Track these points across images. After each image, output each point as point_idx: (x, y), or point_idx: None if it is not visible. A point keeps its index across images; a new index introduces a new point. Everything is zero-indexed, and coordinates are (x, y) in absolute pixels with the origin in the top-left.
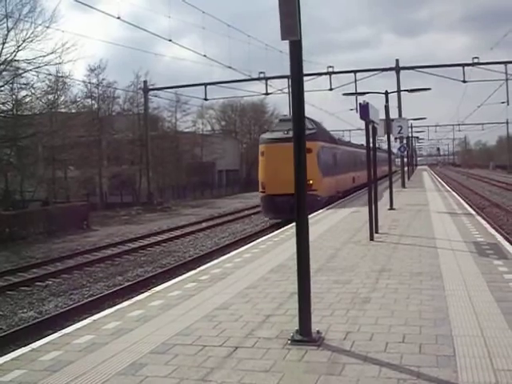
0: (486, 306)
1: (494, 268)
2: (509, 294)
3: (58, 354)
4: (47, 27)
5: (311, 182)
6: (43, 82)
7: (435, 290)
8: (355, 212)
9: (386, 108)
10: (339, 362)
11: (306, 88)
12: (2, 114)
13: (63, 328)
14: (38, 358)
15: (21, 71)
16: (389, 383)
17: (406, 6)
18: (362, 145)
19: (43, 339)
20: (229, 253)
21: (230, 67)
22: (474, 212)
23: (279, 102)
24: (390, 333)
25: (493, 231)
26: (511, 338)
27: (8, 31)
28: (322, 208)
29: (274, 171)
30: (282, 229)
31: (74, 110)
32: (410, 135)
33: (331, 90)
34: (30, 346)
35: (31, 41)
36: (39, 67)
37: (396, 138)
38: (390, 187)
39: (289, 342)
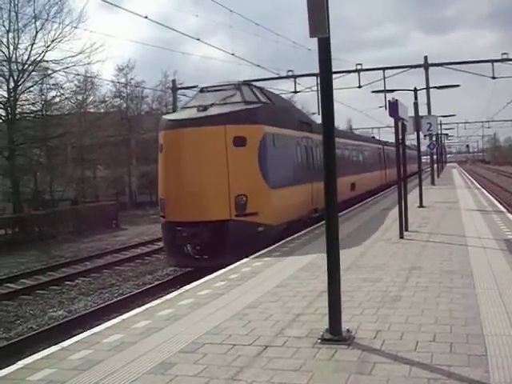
0: None
1: None
2: None
3: (87, 352)
4: (75, 27)
5: (244, 198)
6: (72, 82)
7: (466, 289)
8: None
9: (415, 105)
10: (369, 361)
11: (334, 85)
12: (32, 115)
13: (93, 327)
14: (67, 356)
15: (50, 72)
16: (419, 383)
17: (433, 3)
18: (373, 137)
19: (73, 338)
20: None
21: (258, 66)
22: (504, 209)
23: (308, 100)
24: (421, 332)
25: None
26: None
27: (36, 32)
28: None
29: (177, 179)
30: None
31: (102, 110)
32: (439, 132)
33: (360, 87)
34: (60, 344)
35: (59, 41)
36: (68, 67)
37: (425, 136)
38: (420, 185)
39: (319, 340)
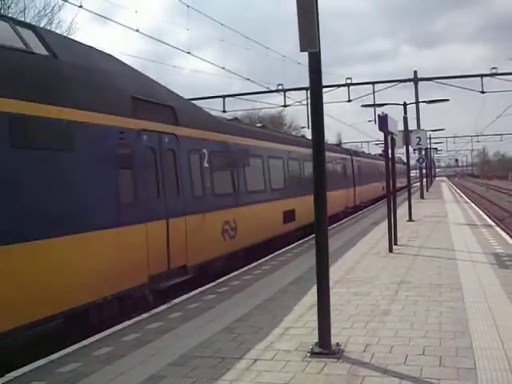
0: (506, 318)
1: None
2: None
3: (76, 365)
4: None
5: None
6: None
7: (455, 302)
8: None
9: (405, 119)
10: (359, 375)
11: (324, 99)
12: None
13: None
14: (56, 369)
15: None
16: None
17: (423, 17)
18: (338, 145)
19: (62, 351)
20: None
21: (248, 79)
22: (493, 223)
23: (297, 113)
24: (410, 345)
25: None
26: None
27: None
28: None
29: None
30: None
31: None
32: (428, 146)
33: (349, 101)
34: (49, 358)
35: None
36: None
37: (415, 150)
38: (409, 199)
39: (308, 354)
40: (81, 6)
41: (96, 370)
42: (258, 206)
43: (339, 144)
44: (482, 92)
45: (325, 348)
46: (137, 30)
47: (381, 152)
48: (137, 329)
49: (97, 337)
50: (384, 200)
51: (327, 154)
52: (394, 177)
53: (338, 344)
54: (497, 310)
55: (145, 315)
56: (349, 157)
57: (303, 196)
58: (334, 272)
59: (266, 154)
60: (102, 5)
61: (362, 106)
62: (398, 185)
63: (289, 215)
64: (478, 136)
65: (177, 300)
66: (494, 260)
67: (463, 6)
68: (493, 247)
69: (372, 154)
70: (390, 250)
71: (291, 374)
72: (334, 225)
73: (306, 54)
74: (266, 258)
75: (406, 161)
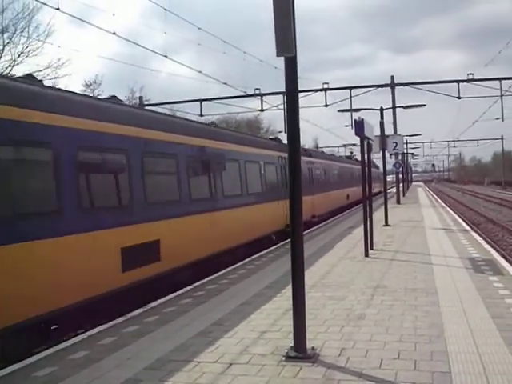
0: (481, 322)
1: (490, 284)
2: (504, 310)
3: (52, 369)
4: (43, 42)
5: None
6: None
7: (430, 306)
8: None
9: (381, 124)
10: (334, 379)
11: (301, 104)
12: None
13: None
14: (31, 373)
15: None
16: None
17: (401, 23)
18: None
19: (38, 355)
20: None
21: (225, 83)
22: (469, 228)
23: (274, 117)
24: (385, 349)
25: (488, 247)
26: (507, 354)
27: (4, 46)
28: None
29: None
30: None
31: None
32: (405, 151)
33: (326, 106)
34: (24, 362)
35: (27, 55)
36: None
37: (391, 155)
38: (385, 203)
39: (283, 358)
40: (58, 9)
41: (72, 373)
42: (173, 222)
43: (317, 147)
44: (459, 98)
45: (300, 352)
46: (114, 33)
47: (349, 154)
48: (113, 332)
49: (73, 340)
50: (346, 212)
51: (257, 151)
52: (370, 182)
53: (313, 348)
54: (472, 315)
55: (121, 319)
56: (308, 159)
57: (248, 206)
58: (310, 276)
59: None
60: (79, 7)
61: (339, 110)
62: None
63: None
64: (454, 141)
65: (153, 304)
66: (469, 265)
67: (440, 13)
68: (468, 252)
69: (325, 152)
70: (366, 255)
71: (266, 378)
72: (310, 230)
73: (283, 58)
74: (242, 263)
75: (379, 165)
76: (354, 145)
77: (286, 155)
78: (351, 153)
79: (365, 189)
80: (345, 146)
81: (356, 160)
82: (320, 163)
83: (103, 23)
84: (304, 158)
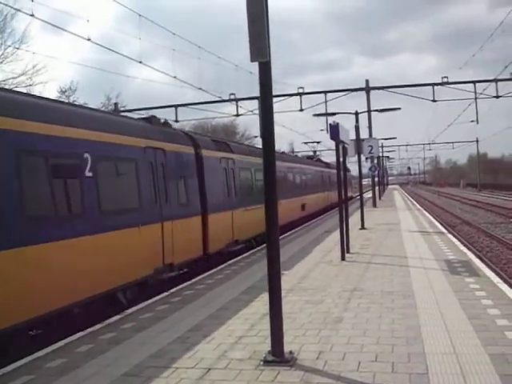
0: (458, 323)
1: (466, 285)
2: (480, 311)
3: (29, 378)
4: (17, 48)
5: None
6: None
7: (407, 309)
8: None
9: (357, 128)
10: (312, 382)
11: (276, 109)
12: None
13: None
14: (8, 382)
15: None
16: None
17: (375, 28)
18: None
19: (14, 363)
20: None
21: (200, 89)
22: (445, 230)
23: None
24: (363, 352)
25: (464, 249)
26: (483, 354)
27: None
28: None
29: None
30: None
31: None
32: (380, 155)
33: (301, 110)
34: (1, 370)
35: (1, 62)
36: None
37: (367, 158)
38: (361, 207)
39: (261, 362)
40: (32, 15)
41: (50, 382)
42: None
43: (292, 152)
44: (434, 101)
45: (278, 356)
46: (88, 39)
47: (311, 154)
48: (90, 339)
49: (50, 348)
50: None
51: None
52: (345, 186)
53: (291, 352)
54: (449, 316)
55: (98, 326)
56: (188, 149)
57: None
58: (287, 281)
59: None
60: (53, 14)
61: (314, 115)
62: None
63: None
64: (429, 144)
65: (129, 310)
66: (445, 267)
67: (413, 18)
68: (445, 254)
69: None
70: (343, 259)
71: (245, 382)
72: (286, 234)
73: (257, 63)
74: (219, 268)
75: (351, 168)
76: (319, 142)
77: (170, 146)
78: (314, 152)
79: (341, 193)
80: (306, 143)
81: (319, 160)
82: (248, 163)
83: (78, 29)
84: (216, 154)
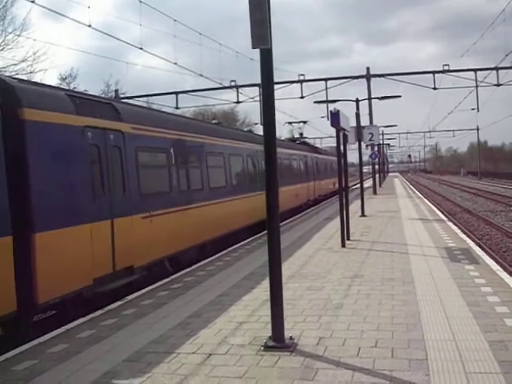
0: (457, 310)
1: (466, 273)
2: (480, 299)
3: (31, 363)
4: (18, 35)
5: None
6: None
7: (407, 296)
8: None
9: (357, 115)
10: (312, 368)
11: (276, 96)
12: None
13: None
14: (11, 367)
15: None
16: None
17: (375, 15)
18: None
19: (17, 348)
20: None
21: (201, 75)
22: (445, 218)
23: (250, 109)
24: (363, 338)
25: (464, 236)
26: (482, 341)
27: None
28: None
29: None
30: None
31: None
32: (381, 142)
33: (302, 97)
34: (4, 355)
35: (2, 49)
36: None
37: (367, 145)
38: (362, 194)
39: (262, 348)
40: (33, 1)
41: (52, 367)
42: None
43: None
44: (434, 88)
45: (278, 342)
46: (89, 26)
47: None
48: (91, 326)
49: (52, 334)
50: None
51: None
52: (346, 174)
53: (291, 338)
54: (448, 303)
55: (99, 312)
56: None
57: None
58: (287, 267)
59: None
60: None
61: (315, 102)
62: (330, 187)
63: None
64: (430, 132)
65: (130, 297)
66: (445, 254)
67: (415, 4)
68: (444, 241)
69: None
70: (343, 245)
71: (245, 367)
72: (287, 221)
73: (258, 50)
74: (220, 254)
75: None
76: (305, 122)
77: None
78: (301, 134)
79: (341, 180)
80: (290, 123)
81: (304, 144)
82: (164, 141)
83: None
84: (70, 121)
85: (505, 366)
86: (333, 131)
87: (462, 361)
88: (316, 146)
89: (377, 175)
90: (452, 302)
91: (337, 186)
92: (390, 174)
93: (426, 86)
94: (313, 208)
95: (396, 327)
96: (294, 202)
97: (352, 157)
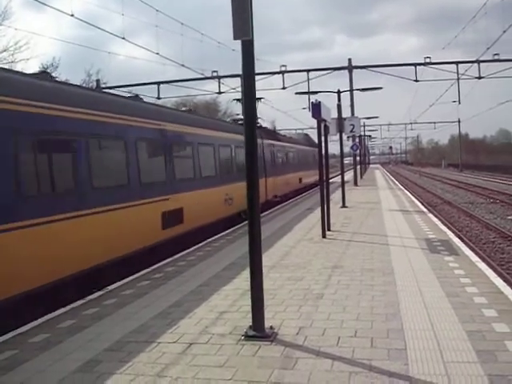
0: (436, 300)
1: (445, 264)
2: (459, 289)
3: (13, 353)
4: None
5: None
6: None
7: (387, 286)
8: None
9: (339, 107)
10: (292, 357)
11: (258, 87)
12: None
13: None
14: None
15: None
16: (341, 376)
17: (357, 7)
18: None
19: None
20: None
21: (183, 65)
22: (425, 210)
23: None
24: (342, 328)
25: (444, 228)
26: (460, 331)
27: None
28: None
29: None
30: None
31: None
32: (362, 134)
33: (284, 88)
34: None
35: None
36: None
37: (348, 137)
38: (343, 186)
39: (242, 337)
40: None
41: (33, 356)
42: None
43: (274, 130)
44: (416, 81)
45: (259, 331)
46: (72, 15)
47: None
48: (72, 315)
49: (33, 324)
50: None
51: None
52: (327, 165)
53: (271, 327)
54: (427, 293)
55: (80, 302)
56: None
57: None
58: (268, 258)
59: None
60: None
61: (296, 93)
62: (307, 180)
63: None
64: (411, 124)
65: (111, 287)
66: (425, 245)
67: None
68: (425, 233)
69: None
70: (324, 236)
71: (226, 356)
72: (267, 212)
73: (240, 41)
74: (201, 245)
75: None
76: (260, 99)
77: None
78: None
79: (321, 172)
80: (238, 100)
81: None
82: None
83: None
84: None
85: (482, 355)
86: (314, 122)
87: (441, 350)
88: (277, 131)
89: (358, 167)
90: (431, 292)
91: (304, 181)
92: (372, 165)
93: (407, 78)
94: (285, 203)
95: (375, 317)
96: (219, 212)
97: (333, 148)
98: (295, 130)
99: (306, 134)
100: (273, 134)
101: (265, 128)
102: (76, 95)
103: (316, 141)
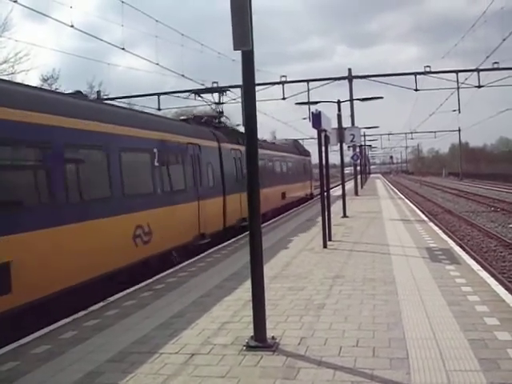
0: (438, 309)
1: (446, 273)
2: (460, 298)
3: (14, 364)
4: None
5: None
6: None
7: (388, 295)
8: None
9: (339, 117)
10: (294, 367)
11: (258, 97)
12: None
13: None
14: None
15: None
16: None
17: (357, 18)
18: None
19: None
20: None
21: (183, 75)
22: (426, 219)
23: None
24: (344, 337)
25: (445, 237)
26: (463, 339)
27: None
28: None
29: None
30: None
31: None
32: (362, 144)
33: (284, 99)
34: None
35: None
36: None
37: (349, 147)
38: (343, 195)
39: (244, 348)
40: (15, 1)
41: (35, 368)
42: None
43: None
44: (416, 90)
45: (260, 342)
46: (72, 26)
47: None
48: (74, 326)
49: (34, 335)
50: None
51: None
52: (328, 175)
53: (273, 337)
54: (429, 302)
55: (81, 313)
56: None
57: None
58: (269, 268)
59: None
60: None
61: (296, 103)
62: (293, 194)
63: None
64: (412, 133)
65: (112, 298)
66: (426, 254)
67: (396, 7)
68: (426, 242)
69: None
70: (325, 246)
71: (228, 367)
72: (269, 222)
73: (240, 52)
74: (202, 255)
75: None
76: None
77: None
78: (219, 112)
79: (322, 182)
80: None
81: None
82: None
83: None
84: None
85: (485, 363)
86: (314, 132)
87: (443, 359)
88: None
89: (358, 176)
90: (433, 301)
91: (289, 196)
92: (372, 175)
93: (407, 87)
94: (293, 210)
95: (377, 326)
96: (157, 246)
97: (333, 158)
98: (293, 139)
99: (296, 141)
100: (240, 136)
101: (228, 128)
102: None
103: (307, 148)
